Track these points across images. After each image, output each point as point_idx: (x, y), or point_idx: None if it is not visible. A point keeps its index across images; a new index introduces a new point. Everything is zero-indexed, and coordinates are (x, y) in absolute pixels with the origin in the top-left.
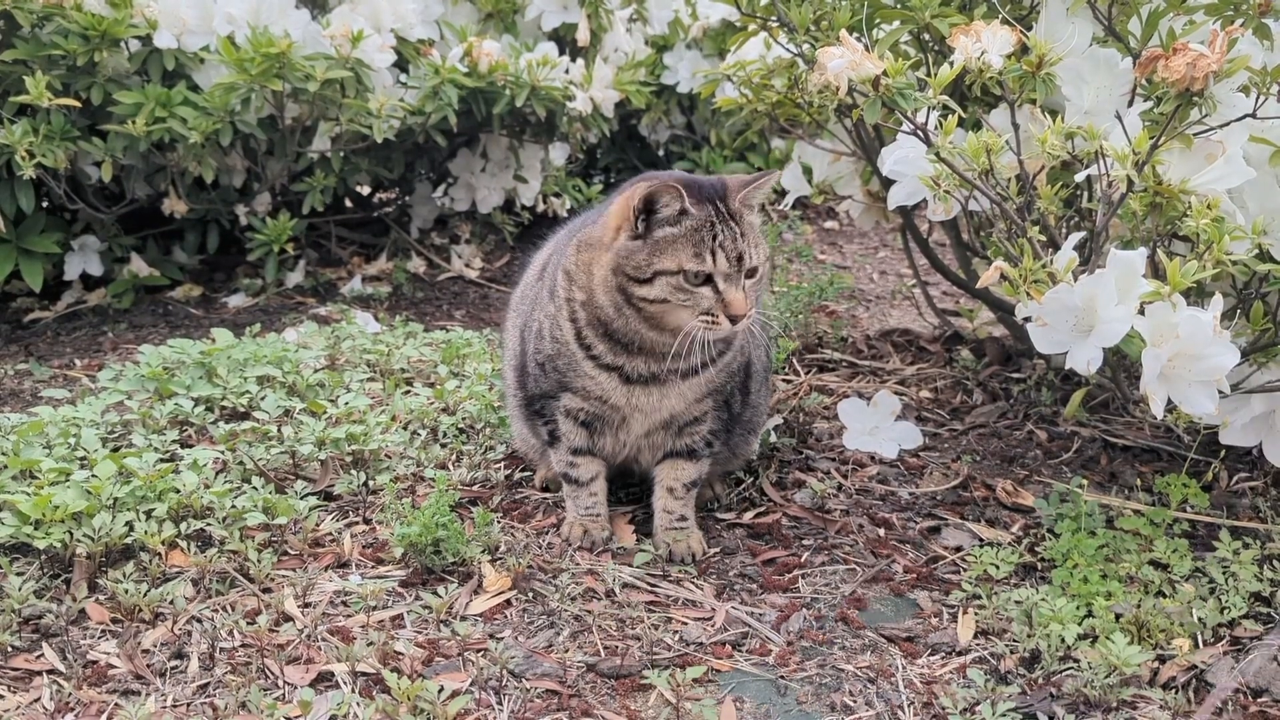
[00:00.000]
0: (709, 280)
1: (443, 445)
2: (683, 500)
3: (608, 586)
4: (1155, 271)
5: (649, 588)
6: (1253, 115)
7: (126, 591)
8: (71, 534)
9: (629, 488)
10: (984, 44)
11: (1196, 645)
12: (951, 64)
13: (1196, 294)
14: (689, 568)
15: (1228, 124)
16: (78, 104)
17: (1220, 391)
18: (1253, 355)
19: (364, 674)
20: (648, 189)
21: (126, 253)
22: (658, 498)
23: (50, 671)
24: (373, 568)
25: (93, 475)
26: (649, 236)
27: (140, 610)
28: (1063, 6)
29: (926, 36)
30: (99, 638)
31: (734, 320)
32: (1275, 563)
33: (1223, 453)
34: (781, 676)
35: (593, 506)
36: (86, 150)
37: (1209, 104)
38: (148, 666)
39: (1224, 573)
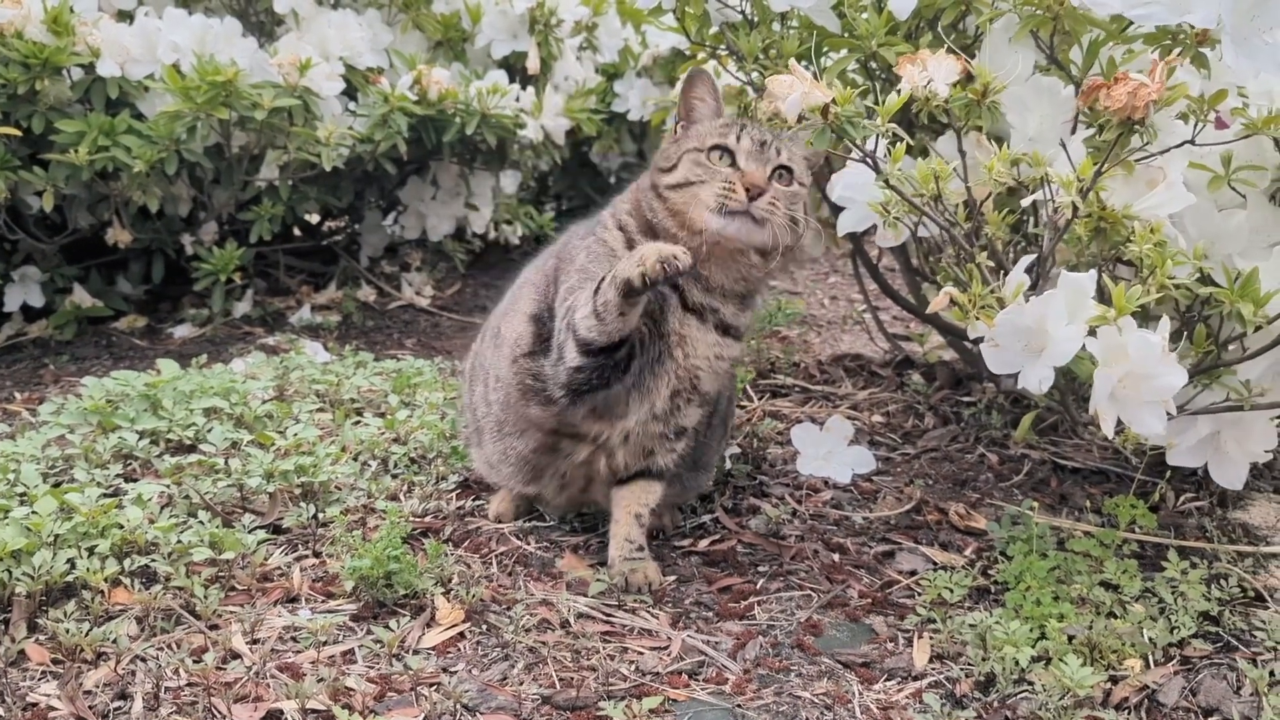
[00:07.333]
0: (732, 162)
1: (394, 476)
2: (643, 529)
3: (562, 617)
4: (1102, 296)
5: (604, 618)
6: (1191, 142)
7: (68, 631)
8: (10, 572)
9: (582, 516)
10: (930, 73)
11: (1148, 665)
12: (899, 92)
13: (1141, 318)
14: (644, 597)
15: (1168, 150)
16: (18, 133)
17: (1168, 413)
18: (1197, 377)
19: (314, 711)
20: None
21: (69, 283)
22: (620, 524)
23: None
24: (323, 602)
25: (33, 512)
26: (682, 137)
27: (82, 650)
28: (1005, 35)
29: (873, 65)
30: (39, 679)
31: (750, 192)
32: (1222, 582)
33: (1169, 473)
34: (738, 705)
35: None
36: (27, 180)
37: (1149, 132)
38: (90, 708)
39: (1173, 593)
